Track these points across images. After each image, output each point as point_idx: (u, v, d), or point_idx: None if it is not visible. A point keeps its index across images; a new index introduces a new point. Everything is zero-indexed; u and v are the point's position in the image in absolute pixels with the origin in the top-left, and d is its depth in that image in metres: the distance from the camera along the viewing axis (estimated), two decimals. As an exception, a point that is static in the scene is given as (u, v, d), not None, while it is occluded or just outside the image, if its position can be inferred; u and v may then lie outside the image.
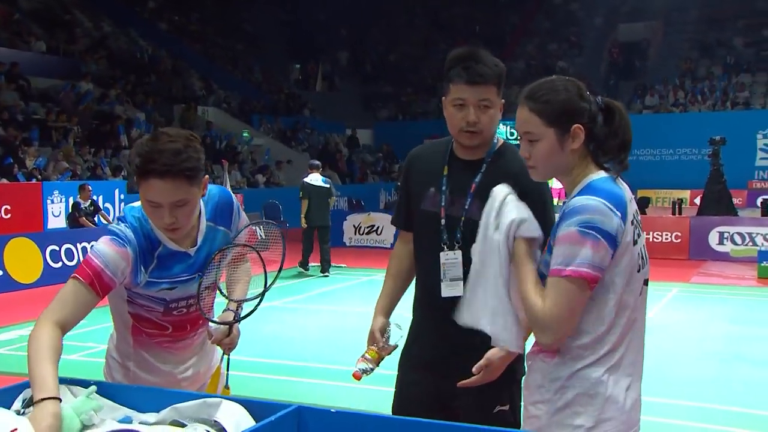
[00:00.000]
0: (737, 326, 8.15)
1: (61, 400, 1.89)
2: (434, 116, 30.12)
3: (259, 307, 2.45)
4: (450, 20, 34.37)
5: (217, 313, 2.55)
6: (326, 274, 11.60)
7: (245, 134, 23.55)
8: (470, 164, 2.50)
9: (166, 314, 2.44)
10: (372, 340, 2.57)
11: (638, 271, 1.94)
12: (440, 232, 2.48)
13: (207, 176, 2.33)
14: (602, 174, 1.96)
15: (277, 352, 6.97)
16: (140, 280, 2.30)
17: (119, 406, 2.12)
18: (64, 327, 2.10)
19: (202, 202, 2.41)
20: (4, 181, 13.48)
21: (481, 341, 2.39)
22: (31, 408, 2.06)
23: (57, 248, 11.03)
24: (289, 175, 22.15)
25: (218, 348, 2.52)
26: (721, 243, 13.08)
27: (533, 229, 2.00)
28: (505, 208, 2.04)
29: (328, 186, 11.65)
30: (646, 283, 2.01)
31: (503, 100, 2.48)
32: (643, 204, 14.79)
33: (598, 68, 30.48)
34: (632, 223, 1.91)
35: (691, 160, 24.29)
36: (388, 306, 2.67)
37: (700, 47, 30.04)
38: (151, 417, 2.05)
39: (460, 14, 34.30)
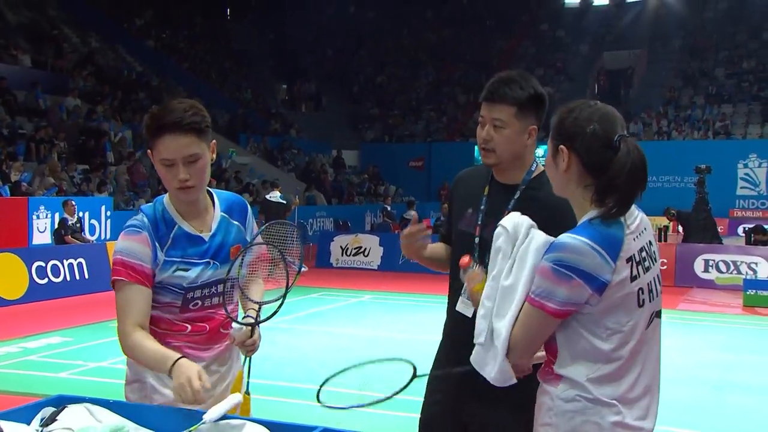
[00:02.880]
0: (727, 354, 8.23)
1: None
2: (420, 139, 30.26)
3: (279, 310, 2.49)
4: (438, 43, 34.67)
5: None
6: None
7: (232, 153, 23.52)
8: (507, 188, 2.54)
9: (184, 309, 2.46)
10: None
11: (641, 306, 1.95)
12: (473, 252, 2.51)
13: (215, 141, 2.47)
14: (596, 213, 1.95)
15: (268, 373, 6.89)
16: (159, 258, 2.40)
17: (140, 426, 2.11)
18: (144, 328, 2.37)
19: (216, 197, 2.53)
20: (-11, 195, 13.35)
21: None
22: (50, 427, 2.06)
23: (43, 264, 10.93)
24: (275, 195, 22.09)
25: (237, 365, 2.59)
26: (706, 270, 13.21)
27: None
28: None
29: (284, 202, 13.76)
30: (658, 315, 2.03)
31: (533, 126, 2.49)
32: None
33: (583, 94, 30.78)
34: (629, 260, 1.91)
35: (674, 187, 24.56)
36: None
37: (683, 77, 30.51)
38: (172, 438, 2.04)
39: (448, 38, 34.60)
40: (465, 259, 2.25)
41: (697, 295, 12.41)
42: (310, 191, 22.99)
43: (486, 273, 2.18)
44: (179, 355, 2.24)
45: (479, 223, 2.54)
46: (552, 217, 2.21)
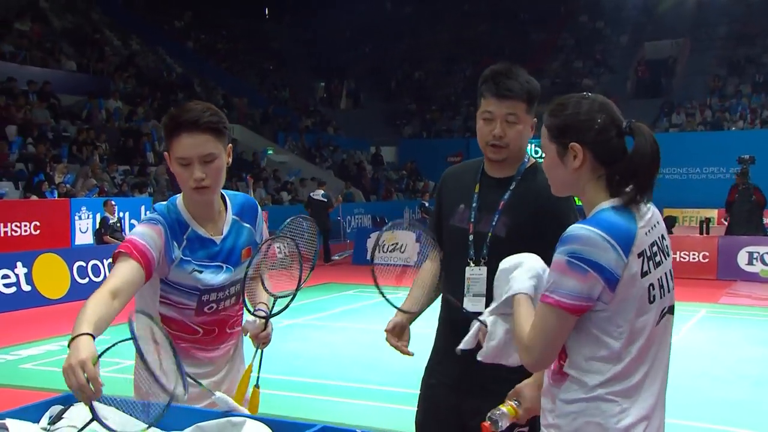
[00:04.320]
0: (769, 348, 8.00)
1: (95, 337, 1.94)
2: (459, 134, 30.11)
3: (291, 304, 2.48)
4: (474, 37, 34.43)
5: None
6: (330, 262, 15.75)
7: (270, 152, 23.72)
8: (500, 182, 2.53)
9: (199, 313, 2.49)
10: (395, 334, 2.59)
11: (651, 302, 1.90)
12: (467, 248, 2.50)
13: (231, 144, 2.47)
14: (612, 203, 1.92)
15: (300, 369, 6.95)
16: (175, 256, 2.40)
17: (141, 423, 2.12)
18: (116, 294, 2.18)
19: (228, 199, 2.55)
20: (34, 197, 13.67)
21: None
22: (57, 425, 2.08)
23: (84, 264, 11.14)
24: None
25: (243, 372, 2.58)
26: (750, 263, 12.87)
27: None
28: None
29: (325, 200, 15.76)
30: (670, 311, 1.98)
31: (535, 119, 2.49)
32: (669, 223, 14.58)
33: (624, 86, 30.28)
34: (640, 255, 1.87)
35: (719, 179, 23.96)
36: (412, 305, 2.60)
37: (728, 64, 29.74)
38: (175, 436, 2.05)
39: (485, 31, 34.34)
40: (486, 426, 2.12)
41: (740, 289, 12.11)
42: (347, 188, 23.09)
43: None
44: (86, 331, 1.94)
45: (472, 219, 2.52)
46: (547, 205, 2.26)
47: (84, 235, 13.29)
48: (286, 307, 2.50)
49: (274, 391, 6.21)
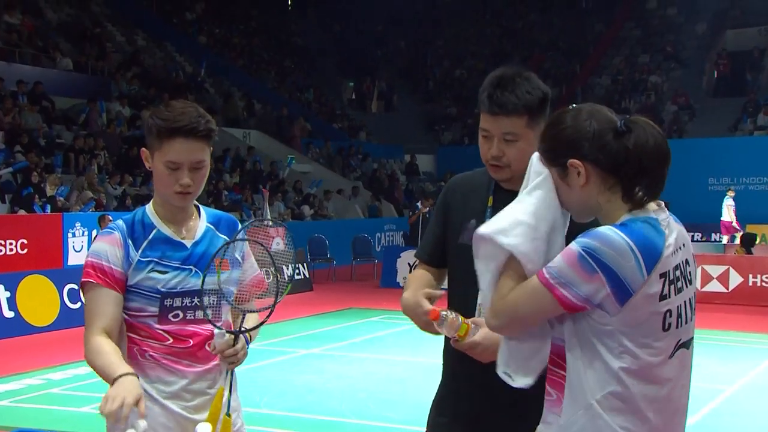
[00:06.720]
0: None
1: (138, 377, 2.37)
2: (506, 140, 29.93)
3: (267, 321, 2.60)
4: (524, 30, 34.37)
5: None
6: None
7: (291, 161, 23.84)
8: (515, 196, 2.51)
9: (163, 320, 2.57)
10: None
11: (666, 329, 1.94)
12: None
13: (212, 147, 2.70)
14: (640, 214, 1.96)
15: (311, 405, 6.99)
16: (132, 257, 2.59)
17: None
18: (110, 334, 2.50)
19: (202, 209, 2.78)
20: (22, 212, 13.92)
21: (521, 396, 2.30)
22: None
23: (76, 287, 11.23)
24: (338, 207, 22.28)
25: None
26: None
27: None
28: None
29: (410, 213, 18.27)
30: (686, 345, 2.01)
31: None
32: (748, 242, 14.34)
33: (699, 83, 29.91)
34: (663, 276, 1.91)
35: (816, 191, 23.48)
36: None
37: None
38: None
39: (536, 22, 34.26)
40: (435, 312, 2.30)
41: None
42: (372, 202, 23.15)
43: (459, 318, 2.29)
44: (129, 371, 2.35)
45: None
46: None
47: (78, 255, 13.49)
48: (262, 323, 2.60)
49: (282, 430, 6.26)
